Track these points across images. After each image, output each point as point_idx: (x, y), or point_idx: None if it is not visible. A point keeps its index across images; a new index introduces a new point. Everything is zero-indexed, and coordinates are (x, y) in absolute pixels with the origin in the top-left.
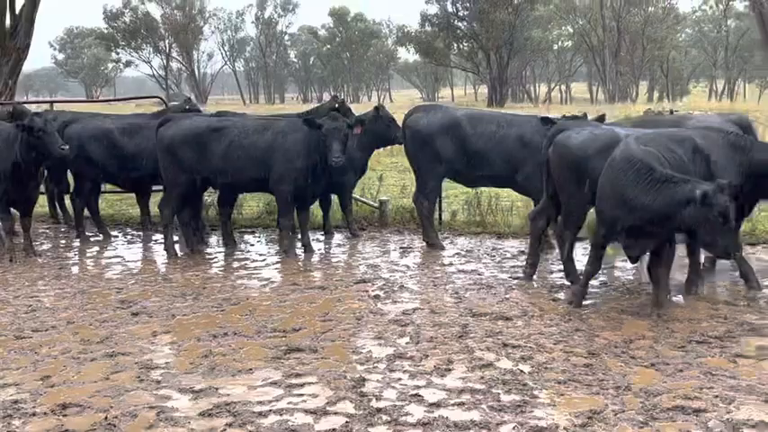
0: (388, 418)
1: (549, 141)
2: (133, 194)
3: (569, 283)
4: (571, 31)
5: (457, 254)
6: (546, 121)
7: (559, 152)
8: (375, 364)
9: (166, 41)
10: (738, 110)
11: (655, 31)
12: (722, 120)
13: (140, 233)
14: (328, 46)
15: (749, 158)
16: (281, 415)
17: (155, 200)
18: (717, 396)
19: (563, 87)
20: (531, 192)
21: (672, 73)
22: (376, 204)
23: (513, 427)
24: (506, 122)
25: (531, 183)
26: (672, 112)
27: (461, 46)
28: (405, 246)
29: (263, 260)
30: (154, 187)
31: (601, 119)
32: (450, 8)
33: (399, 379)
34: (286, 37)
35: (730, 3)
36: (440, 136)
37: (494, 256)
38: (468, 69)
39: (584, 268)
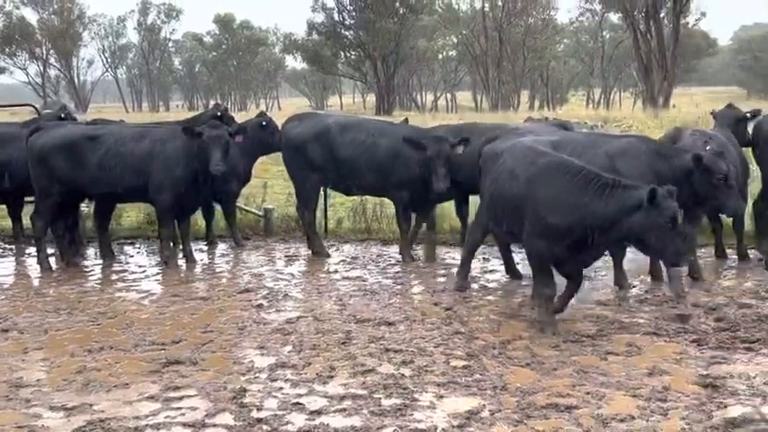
0: (269, 428)
1: (479, 151)
2: (4, 206)
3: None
4: (455, 40)
5: (342, 261)
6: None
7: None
8: (256, 374)
9: (43, 48)
10: (614, 117)
11: (535, 41)
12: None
13: (12, 246)
14: (214, 53)
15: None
16: (157, 429)
17: (27, 211)
18: (588, 393)
19: (449, 96)
20: (403, 202)
21: (552, 82)
22: (261, 213)
23: (393, 431)
24: (378, 131)
25: (401, 192)
26: (547, 119)
27: (349, 54)
28: (290, 254)
29: (143, 272)
30: (27, 198)
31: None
32: (336, 17)
33: (281, 388)
34: (170, 44)
35: (605, 15)
36: (310, 144)
37: (378, 262)
38: (355, 78)
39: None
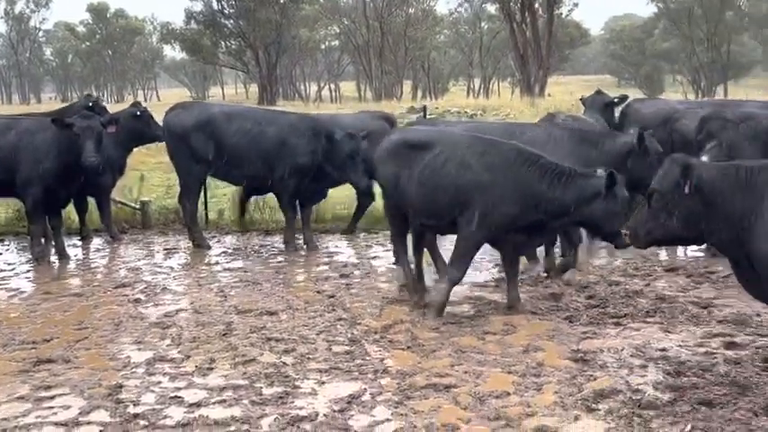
0: (146, 423)
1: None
2: None
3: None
4: (337, 30)
5: (223, 252)
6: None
7: None
8: (133, 370)
9: None
10: (492, 106)
11: (416, 31)
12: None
13: None
14: (87, 43)
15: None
16: (27, 430)
17: None
18: (466, 372)
19: (332, 86)
20: (288, 191)
21: (433, 72)
22: (137, 206)
23: (275, 419)
24: (265, 120)
25: (288, 182)
26: (425, 108)
27: (229, 44)
28: (169, 247)
29: (12, 269)
30: None
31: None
32: (215, 5)
33: (159, 382)
34: (40, 33)
35: (483, 5)
36: (194, 133)
37: (261, 253)
38: (237, 68)
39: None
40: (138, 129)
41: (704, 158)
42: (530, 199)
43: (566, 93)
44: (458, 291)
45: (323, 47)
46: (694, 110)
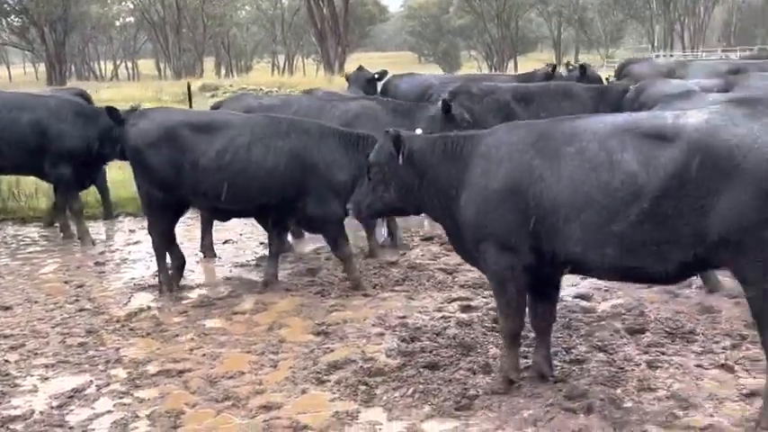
0: None
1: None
2: None
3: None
4: (132, 6)
5: None
6: None
7: None
8: None
9: None
10: (291, 84)
11: (214, 8)
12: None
13: None
14: None
15: None
16: None
17: None
18: (204, 354)
19: (129, 64)
20: (57, 181)
21: (234, 49)
22: None
23: None
24: (17, 105)
25: (55, 170)
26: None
27: (11, 21)
28: None
29: None
30: None
31: None
32: None
33: None
34: None
35: None
36: None
37: (11, 244)
38: (21, 47)
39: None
40: None
41: (418, 131)
42: (356, 170)
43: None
44: (217, 271)
45: (117, 24)
46: (447, 84)
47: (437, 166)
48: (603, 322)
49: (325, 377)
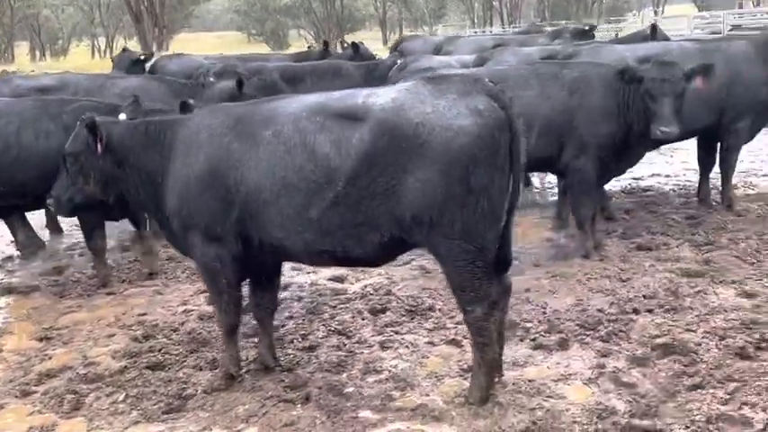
0: None
1: None
2: None
3: None
4: None
5: None
6: None
7: None
8: None
9: None
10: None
11: None
12: None
13: None
14: None
15: None
16: None
17: None
18: None
19: None
20: None
21: (48, 32)
22: None
23: None
24: None
25: None
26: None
27: None
28: None
29: None
30: None
31: None
32: None
33: None
34: None
35: None
36: None
37: None
38: None
39: None
40: None
41: (122, 116)
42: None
43: (197, 49)
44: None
45: None
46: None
47: (140, 154)
48: (348, 304)
49: (33, 388)
